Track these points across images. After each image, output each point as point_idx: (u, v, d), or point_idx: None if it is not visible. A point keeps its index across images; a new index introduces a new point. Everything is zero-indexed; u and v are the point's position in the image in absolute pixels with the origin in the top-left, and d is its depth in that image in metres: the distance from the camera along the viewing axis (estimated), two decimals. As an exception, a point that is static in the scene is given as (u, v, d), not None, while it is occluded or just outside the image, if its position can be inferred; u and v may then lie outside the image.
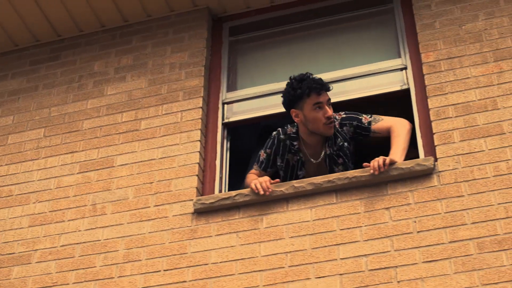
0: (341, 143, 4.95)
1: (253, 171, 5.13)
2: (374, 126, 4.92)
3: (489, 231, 4.22)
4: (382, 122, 4.93)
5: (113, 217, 4.95)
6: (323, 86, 4.88)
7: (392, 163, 4.56)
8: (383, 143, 4.92)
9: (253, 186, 4.72)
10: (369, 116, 4.96)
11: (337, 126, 4.96)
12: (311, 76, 4.91)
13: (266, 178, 4.77)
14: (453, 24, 5.16)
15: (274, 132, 5.11)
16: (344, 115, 5.01)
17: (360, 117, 4.97)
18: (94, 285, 4.69)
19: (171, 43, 5.74)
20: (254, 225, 4.65)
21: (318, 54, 5.63)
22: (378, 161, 4.54)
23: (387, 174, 4.53)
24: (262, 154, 5.12)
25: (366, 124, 4.94)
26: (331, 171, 4.96)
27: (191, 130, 5.21)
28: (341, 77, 5.40)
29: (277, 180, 4.77)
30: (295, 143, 5.03)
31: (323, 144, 5.00)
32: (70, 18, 5.96)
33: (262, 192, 4.65)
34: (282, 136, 5.06)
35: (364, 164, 4.59)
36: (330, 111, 4.87)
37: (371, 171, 4.53)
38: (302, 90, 4.86)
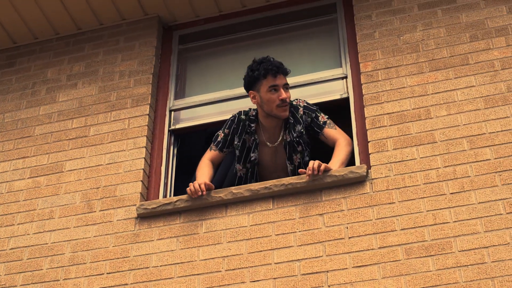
0: (302, 130, 5.06)
1: (209, 151, 5.21)
2: (326, 130, 5.02)
3: (417, 237, 4.37)
4: (333, 130, 5.03)
5: (60, 221, 5.08)
6: (279, 69, 4.99)
7: (327, 170, 4.70)
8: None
9: (188, 191, 4.86)
10: (326, 117, 5.07)
11: (300, 112, 5.07)
12: (271, 59, 5.03)
13: (201, 181, 4.87)
14: (392, 34, 5.31)
15: (235, 114, 5.21)
16: (305, 104, 5.12)
17: (319, 114, 5.07)
18: (41, 287, 4.83)
19: (122, 51, 5.89)
20: (194, 230, 4.79)
21: (265, 62, 5.81)
22: (313, 164, 4.67)
23: (322, 181, 4.68)
24: (220, 134, 5.20)
25: (321, 122, 5.04)
26: (290, 158, 5.07)
27: (138, 136, 5.35)
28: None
29: (211, 185, 4.90)
30: (252, 124, 5.13)
31: (282, 129, 5.11)
32: (25, 26, 6.10)
33: (194, 196, 4.80)
34: (242, 116, 5.16)
35: (300, 170, 4.72)
36: (285, 94, 4.96)
37: (306, 176, 4.67)
38: (259, 71, 4.99)
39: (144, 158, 5.24)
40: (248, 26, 6.03)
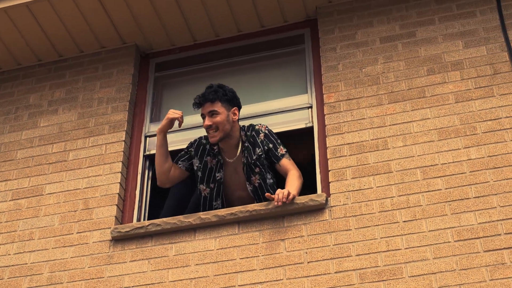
0: (261, 153, 5.31)
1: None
2: (283, 161, 5.27)
3: (371, 262, 4.64)
4: (289, 162, 5.28)
5: (39, 242, 5.36)
6: (203, 98, 5.31)
7: (293, 198, 4.97)
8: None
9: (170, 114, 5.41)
10: (285, 150, 5.32)
11: (261, 137, 5.34)
12: (207, 88, 5.35)
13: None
14: (355, 66, 5.59)
15: (196, 138, 5.54)
16: (267, 131, 5.37)
17: (278, 146, 5.31)
18: (19, 306, 5.15)
19: (100, 78, 6.16)
20: (164, 252, 5.07)
21: (237, 90, 6.05)
22: (283, 192, 4.93)
23: (285, 208, 4.95)
24: (184, 151, 5.54)
25: (279, 154, 5.29)
26: (248, 179, 5.32)
27: (114, 162, 5.63)
28: (256, 113, 5.85)
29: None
30: (215, 147, 5.42)
31: (237, 150, 5.38)
32: (8, 53, 6.35)
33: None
34: (203, 141, 5.47)
35: (267, 194, 4.97)
36: (207, 122, 5.27)
37: (275, 203, 4.93)
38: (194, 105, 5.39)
39: (120, 183, 5.52)
40: (221, 55, 6.33)
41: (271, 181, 5.37)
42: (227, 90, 5.37)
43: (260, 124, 5.43)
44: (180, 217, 5.16)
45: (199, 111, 5.37)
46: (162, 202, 5.70)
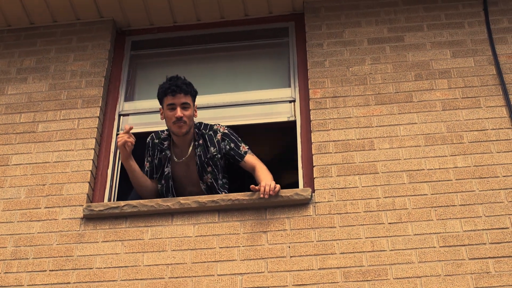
0: (215, 153, 5.20)
1: None
2: (247, 158, 5.17)
3: (355, 262, 4.61)
4: (254, 157, 5.19)
5: (3, 214, 5.11)
6: (178, 88, 5.11)
7: (279, 190, 4.89)
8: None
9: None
10: (247, 147, 5.22)
11: (218, 137, 5.22)
12: (177, 79, 5.16)
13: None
14: (342, 65, 5.55)
15: (148, 139, 5.35)
16: (226, 131, 5.25)
17: (240, 144, 5.21)
18: (-20, 279, 4.87)
19: (74, 51, 5.93)
20: (139, 235, 4.91)
21: (215, 77, 5.96)
22: (269, 185, 4.84)
23: (268, 200, 4.86)
24: (146, 164, 5.35)
25: (242, 152, 5.18)
26: (201, 177, 5.21)
27: (87, 138, 5.42)
28: (234, 102, 5.73)
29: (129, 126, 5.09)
30: (165, 142, 5.27)
31: (191, 146, 5.24)
32: (-25, 14, 6.05)
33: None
34: (156, 141, 5.31)
35: (252, 186, 4.87)
36: (179, 113, 5.08)
37: (261, 195, 4.83)
38: (162, 90, 5.17)
39: (92, 160, 5.32)
40: (201, 40, 6.19)
41: (223, 181, 5.29)
42: (193, 85, 5.23)
43: (219, 124, 5.31)
44: (158, 200, 5.00)
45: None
46: (130, 185, 5.51)
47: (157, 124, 5.61)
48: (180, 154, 5.27)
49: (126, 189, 5.59)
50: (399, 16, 5.76)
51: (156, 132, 5.36)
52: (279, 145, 5.77)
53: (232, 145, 5.21)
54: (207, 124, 5.29)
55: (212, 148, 5.21)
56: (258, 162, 5.16)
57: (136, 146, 5.48)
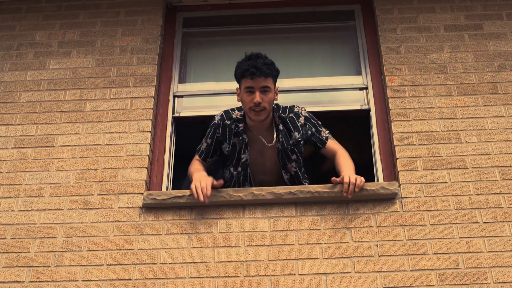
0: (300, 139, 4.73)
1: (196, 159, 4.82)
2: (329, 143, 4.74)
3: (451, 263, 4.22)
4: (335, 143, 4.76)
5: (51, 201, 4.57)
6: (258, 71, 4.54)
7: (363, 184, 4.45)
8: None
9: (193, 190, 4.43)
10: (327, 131, 4.79)
11: (301, 121, 4.75)
12: (258, 58, 4.59)
13: (209, 181, 4.46)
14: (418, 51, 5.14)
15: (217, 119, 4.78)
16: (307, 115, 4.78)
17: (321, 129, 4.76)
18: (28, 271, 4.31)
19: (123, 25, 5.39)
20: (208, 228, 4.42)
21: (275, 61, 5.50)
22: (353, 183, 4.36)
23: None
24: (203, 144, 4.80)
25: (323, 137, 4.75)
26: (284, 166, 4.74)
27: (142, 119, 4.89)
28: (298, 88, 5.29)
29: (221, 181, 4.53)
30: (240, 124, 4.74)
31: (268, 132, 4.76)
32: (11, -19, 5.46)
33: (201, 199, 4.38)
34: (227, 122, 4.74)
35: (333, 179, 4.41)
36: (258, 98, 4.54)
37: (344, 193, 4.37)
38: (240, 70, 4.61)
39: (149, 143, 4.80)
40: (257, 20, 5.71)
41: (304, 170, 4.82)
42: (275, 65, 4.67)
43: (299, 107, 4.80)
44: (229, 190, 4.50)
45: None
46: (183, 173, 4.99)
47: (211, 107, 5.15)
48: (254, 138, 4.76)
49: (177, 177, 5.11)
50: (475, 4, 5.36)
51: (226, 111, 4.80)
52: (347, 135, 5.31)
53: (313, 129, 4.74)
54: (286, 107, 4.78)
55: (296, 134, 4.71)
56: (340, 148, 4.71)
57: (188, 131, 5.01)
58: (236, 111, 4.78)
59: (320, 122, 4.79)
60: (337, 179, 4.42)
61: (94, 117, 4.92)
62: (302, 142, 4.73)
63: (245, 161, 4.73)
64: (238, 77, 4.63)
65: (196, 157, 4.82)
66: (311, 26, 5.64)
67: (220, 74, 5.36)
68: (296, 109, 4.78)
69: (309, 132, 4.74)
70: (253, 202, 4.48)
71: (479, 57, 5.11)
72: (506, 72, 5.02)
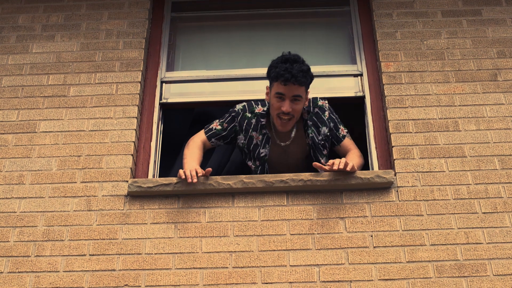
0: (328, 132, 4.58)
1: (202, 134, 4.63)
2: (345, 142, 4.61)
3: (449, 255, 4.05)
4: (351, 142, 4.63)
5: (32, 188, 4.38)
6: (293, 78, 4.30)
7: (353, 171, 4.29)
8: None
9: (181, 174, 4.29)
10: (346, 130, 4.64)
11: (327, 115, 4.58)
12: (294, 62, 4.34)
13: (199, 169, 4.31)
14: (415, 37, 4.97)
15: (238, 108, 4.61)
16: (330, 109, 4.62)
17: (339, 126, 4.63)
18: (6, 261, 4.12)
19: (109, 8, 5.19)
20: (195, 217, 4.24)
21: (261, 46, 5.31)
22: (340, 160, 4.22)
23: (345, 182, 4.26)
24: (216, 124, 4.62)
25: (341, 136, 4.61)
26: (317, 161, 4.53)
27: (127, 105, 4.70)
28: (290, 75, 5.09)
29: (209, 169, 4.35)
30: (263, 119, 4.56)
31: (292, 130, 4.58)
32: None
33: (189, 180, 4.22)
34: (248, 114, 4.58)
35: (314, 164, 4.19)
36: (287, 107, 4.35)
37: (327, 167, 4.20)
38: (273, 72, 4.37)
39: (135, 130, 4.61)
40: (248, 5, 5.52)
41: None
42: (311, 71, 4.43)
43: (322, 99, 4.62)
44: (218, 178, 4.32)
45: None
46: (171, 160, 4.81)
47: (200, 94, 4.98)
48: (281, 136, 4.59)
49: (165, 165, 4.92)
50: (474, -12, 5.22)
51: (249, 103, 4.62)
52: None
53: (331, 125, 4.59)
54: (309, 100, 4.58)
55: (325, 128, 4.55)
56: (354, 148, 4.58)
57: (175, 119, 4.83)
58: (259, 106, 4.61)
59: (339, 119, 4.64)
60: (322, 165, 4.26)
61: (78, 102, 4.73)
62: (329, 135, 4.59)
63: (264, 156, 4.57)
64: (271, 78, 4.41)
65: (202, 134, 4.64)
66: (304, 12, 5.45)
67: (210, 60, 5.19)
68: (320, 103, 4.61)
69: (329, 127, 4.60)
70: (243, 190, 4.29)
71: (478, 43, 4.93)
72: (505, 58, 4.85)
